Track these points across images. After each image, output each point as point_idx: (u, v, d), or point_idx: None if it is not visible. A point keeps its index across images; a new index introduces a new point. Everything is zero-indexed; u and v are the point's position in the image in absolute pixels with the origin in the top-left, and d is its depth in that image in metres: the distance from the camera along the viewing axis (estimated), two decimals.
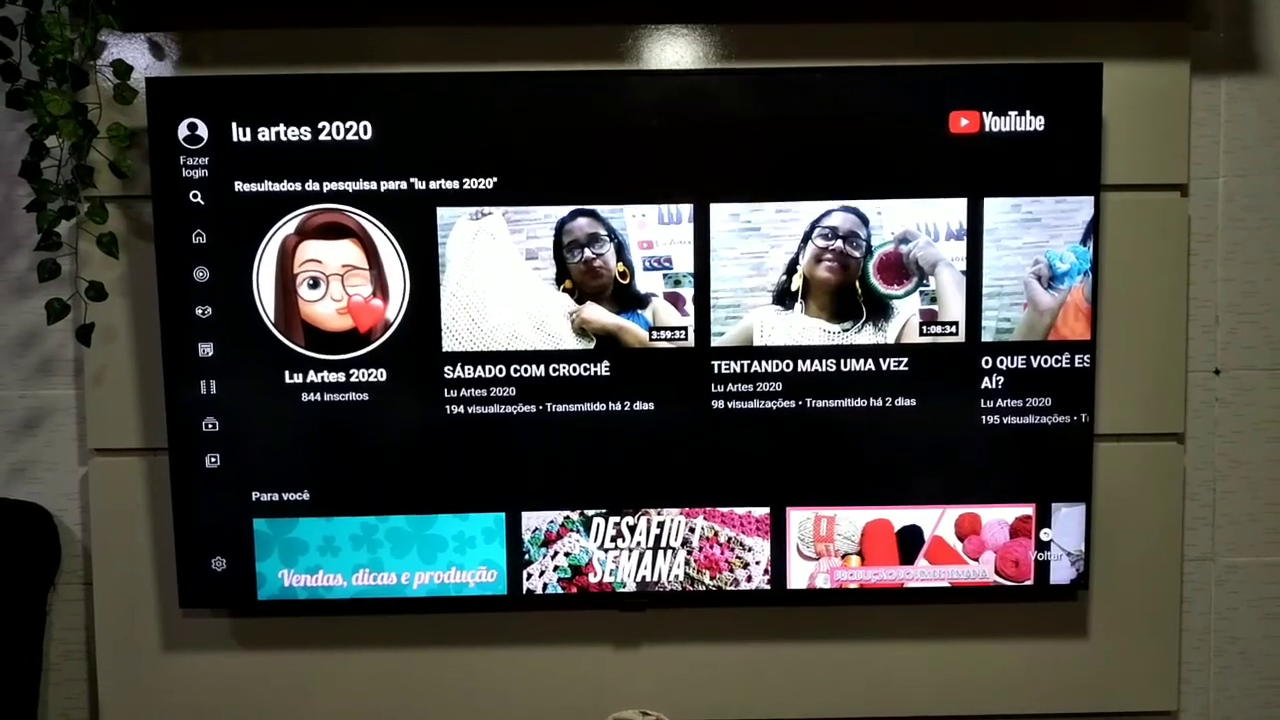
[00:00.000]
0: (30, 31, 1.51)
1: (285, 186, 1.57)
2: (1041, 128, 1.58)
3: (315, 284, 1.58)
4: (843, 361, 1.61)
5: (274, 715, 1.72)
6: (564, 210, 1.58)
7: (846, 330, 1.60)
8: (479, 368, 1.60)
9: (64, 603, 1.74)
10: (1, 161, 1.66)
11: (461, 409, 1.60)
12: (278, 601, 1.63)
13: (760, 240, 1.59)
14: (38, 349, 1.70)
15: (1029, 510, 1.64)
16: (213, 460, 1.60)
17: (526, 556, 1.63)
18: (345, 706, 1.72)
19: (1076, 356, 1.61)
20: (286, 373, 1.59)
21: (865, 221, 1.59)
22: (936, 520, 1.64)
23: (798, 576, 1.65)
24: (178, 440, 1.60)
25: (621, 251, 1.59)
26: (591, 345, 1.60)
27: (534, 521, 1.63)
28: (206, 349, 1.58)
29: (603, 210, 1.58)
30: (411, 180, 1.57)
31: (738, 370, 1.61)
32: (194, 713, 1.71)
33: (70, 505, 1.73)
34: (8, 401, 1.71)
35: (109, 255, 1.58)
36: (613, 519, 1.63)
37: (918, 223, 1.59)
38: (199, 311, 1.58)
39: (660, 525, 1.64)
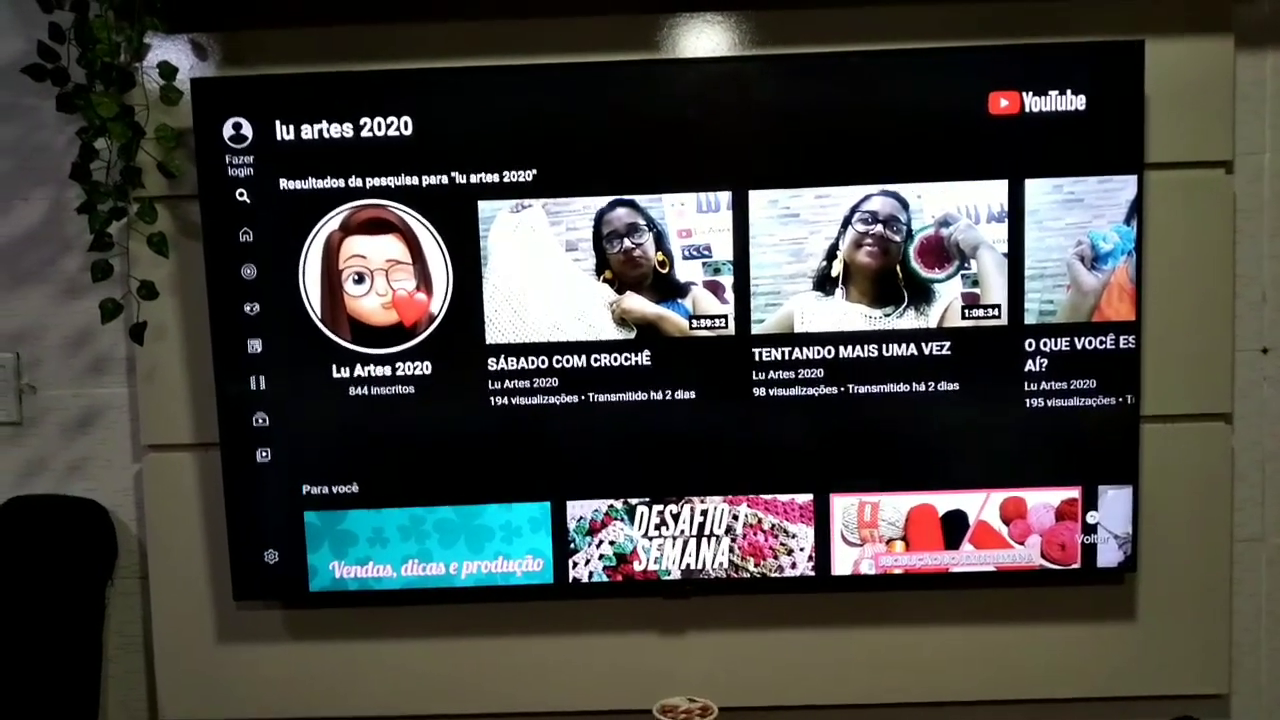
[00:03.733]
0: (78, 35, 1.53)
1: (329, 183, 1.59)
2: (1083, 107, 1.57)
3: (360, 279, 1.60)
4: (884, 346, 1.60)
5: (327, 704, 1.74)
6: (603, 201, 1.59)
7: (888, 315, 1.60)
8: (522, 359, 1.61)
9: (121, 597, 1.77)
10: (52, 165, 1.69)
11: (505, 400, 1.62)
12: (329, 593, 1.66)
13: (800, 226, 1.59)
14: (91, 348, 1.74)
15: (1075, 493, 1.63)
16: (263, 454, 1.63)
17: (572, 545, 1.65)
18: (396, 695, 1.74)
19: (1121, 337, 1.60)
20: (334, 367, 1.61)
21: (905, 205, 1.58)
22: (981, 504, 1.64)
23: (842, 563, 1.65)
24: (229, 435, 1.63)
25: (660, 241, 1.59)
26: (632, 335, 1.61)
27: (579, 510, 1.64)
28: (255, 345, 1.61)
29: (641, 200, 1.59)
30: (452, 174, 1.59)
31: (779, 358, 1.61)
32: (249, 702, 1.75)
33: (125, 501, 1.76)
34: (63, 400, 1.75)
35: (159, 254, 1.61)
36: (656, 507, 1.64)
37: (958, 205, 1.58)
38: (247, 308, 1.61)
39: (704, 513, 1.64)
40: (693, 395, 1.62)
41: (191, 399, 1.69)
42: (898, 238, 1.59)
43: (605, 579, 1.66)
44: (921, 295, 1.60)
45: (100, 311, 1.60)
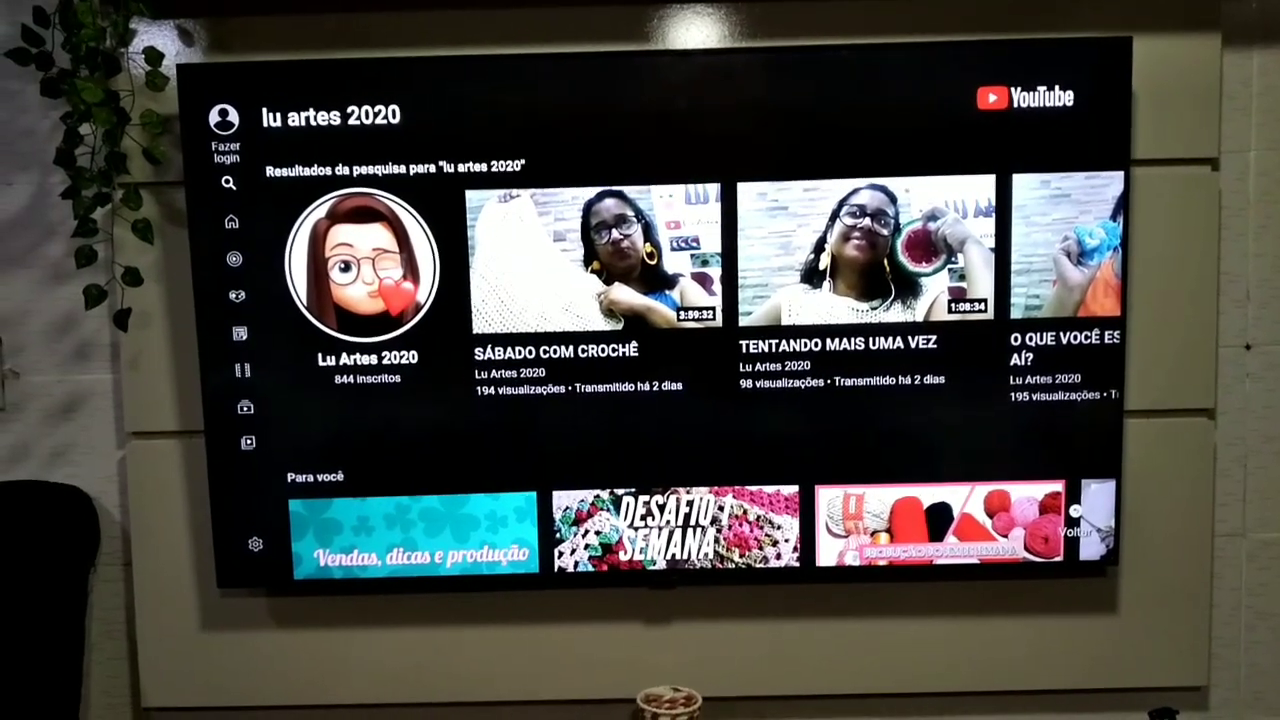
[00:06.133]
0: (63, 20, 1.52)
1: (316, 171, 1.58)
2: (1071, 103, 1.57)
3: (347, 267, 1.60)
4: (871, 340, 1.61)
5: (310, 693, 1.74)
6: (591, 191, 1.59)
7: (875, 308, 1.60)
8: (509, 349, 1.61)
9: (104, 583, 1.77)
10: (36, 149, 1.68)
11: (492, 390, 1.62)
12: (313, 581, 1.65)
13: (788, 219, 1.59)
14: (75, 334, 1.73)
15: (1059, 487, 1.64)
16: (248, 442, 1.62)
17: (558, 535, 1.65)
18: (380, 684, 1.74)
19: (1106, 332, 1.61)
20: (319, 355, 1.61)
21: (893, 199, 1.58)
22: (966, 497, 1.64)
23: (827, 554, 1.66)
24: (213, 423, 1.62)
25: (649, 232, 1.59)
26: (620, 326, 1.61)
27: (565, 500, 1.65)
28: (241, 332, 1.60)
29: (630, 191, 1.59)
30: (440, 163, 1.58)
31: (766, 349, 1.61)
32: (232, 690, 1.74)
33: (109, 488, 1.76)
34: (46, 386, 1.74)
35: (144, 241, 1.60)
36: (642, 498, 1.65)
37: (946, 200, 1.58)
38: (233, 295, 1.60)
39: (689, 504, 1.65)
40: (680, 387, 1.62)
41: (176, 386, 1.68)
42: (885, 231, 1.59)
43: (591, 569, 1.66)
44: (908, 289, 1.60)
45: (84, 297, 1.59)
